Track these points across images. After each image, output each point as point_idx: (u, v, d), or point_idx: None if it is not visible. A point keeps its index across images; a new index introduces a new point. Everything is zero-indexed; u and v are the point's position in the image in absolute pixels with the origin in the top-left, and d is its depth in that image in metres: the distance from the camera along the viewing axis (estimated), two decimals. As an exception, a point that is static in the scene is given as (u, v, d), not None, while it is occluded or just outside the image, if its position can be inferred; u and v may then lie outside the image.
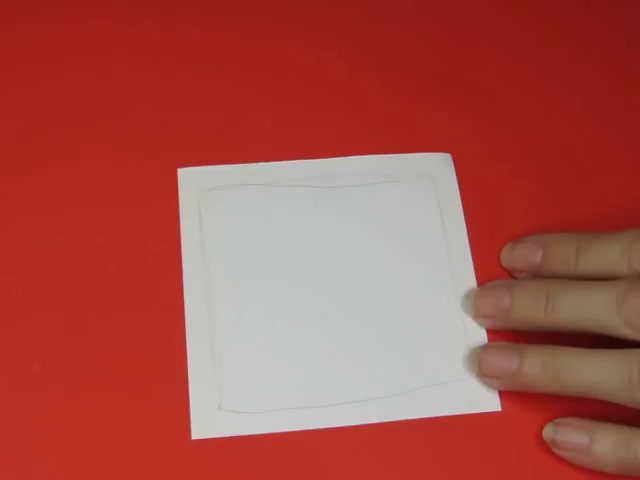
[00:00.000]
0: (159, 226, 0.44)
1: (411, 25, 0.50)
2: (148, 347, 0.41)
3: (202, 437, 0.40)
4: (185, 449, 0.39)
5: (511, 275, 0.44)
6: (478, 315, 0.42)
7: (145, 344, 0.41)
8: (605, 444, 0.38)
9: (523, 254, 0.43)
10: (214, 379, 0.41)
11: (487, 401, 0.41)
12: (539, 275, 0.42)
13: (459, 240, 0.45)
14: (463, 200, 0.45)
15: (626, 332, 0.38)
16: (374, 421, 0.40)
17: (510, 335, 0.42)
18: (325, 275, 0.43)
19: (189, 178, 0.45)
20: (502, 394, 0.41)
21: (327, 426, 0.40)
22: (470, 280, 0.44)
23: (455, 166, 0.46)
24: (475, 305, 0.42)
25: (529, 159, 0.47)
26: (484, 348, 0.41)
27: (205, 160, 0.46)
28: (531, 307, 0.40)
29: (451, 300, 0.43)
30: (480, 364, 0.41)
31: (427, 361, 0.42)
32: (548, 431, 0.40)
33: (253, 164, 0.46)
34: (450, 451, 0.40)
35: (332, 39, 0.50)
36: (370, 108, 0.48)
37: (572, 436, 0.39)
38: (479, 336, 0.42)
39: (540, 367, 0.39)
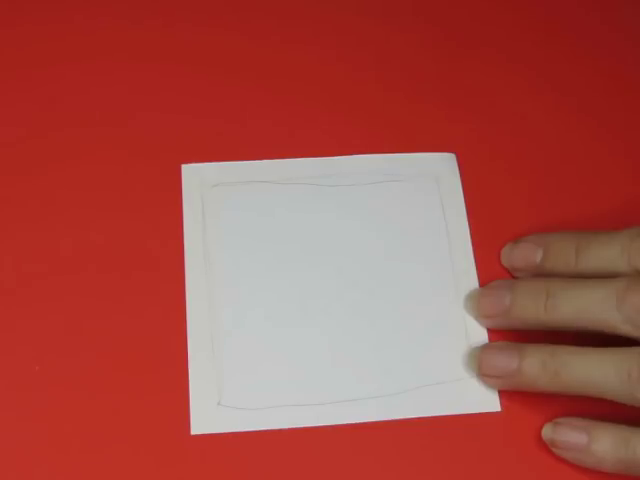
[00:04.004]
0: (162, 222, 0.44)
1: (414, 25, 0.50)
2: (149, 343, 0.41)
3: (201, 432, 0.40)
4: (184, 444, 0.39)
5: (512, 275, 0.43)
6: (479, 315, 0.42)
7: (146, 340, 0.41)
8: (604, 443, 0.38)
9: (523, 254, 0.43)
10: (214, 375, 0.41)
11: (487, 401, 0.41)
12: (539, 275, 0.42)
13: (461, 240, 0.44)
14: (466, 200, 0.45)
15: (626, 329, 0.38)
16: (374, 419, 0.40)
17: (512, 335, 0.42)
18: (327, 273, 0.43)
19: (193, 174, 0.45)
20: (502, 394, 0.41)
21: (326, 424, 0.40)
22: (472, 280, 0.44)
23: (458, 166, 0.46)
24: (476, 305, 0.42)
25: (532, 159, 0.47)
26: (484, 348, 0.41)
27: (209, 157, 0.46)
28: (531, 305, 0.40)
29: (453, 300, 0.43)
30: (480, 363, 0.41)
31: (428, 361, 0.42)
32: (547, 431, 0.40)
33: (257, 161, 0.46)
34: (450, 451, 0.40)
35: (335, 39, 0.50)
36: (374, 108, 0.48)
37: (571, 436, 0.39)
38: (480, 336, 0.42)
39: (539, 365, 0.39)
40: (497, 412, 0.41)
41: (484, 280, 0.43)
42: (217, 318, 0.42)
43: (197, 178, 0.45)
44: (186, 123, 0.47)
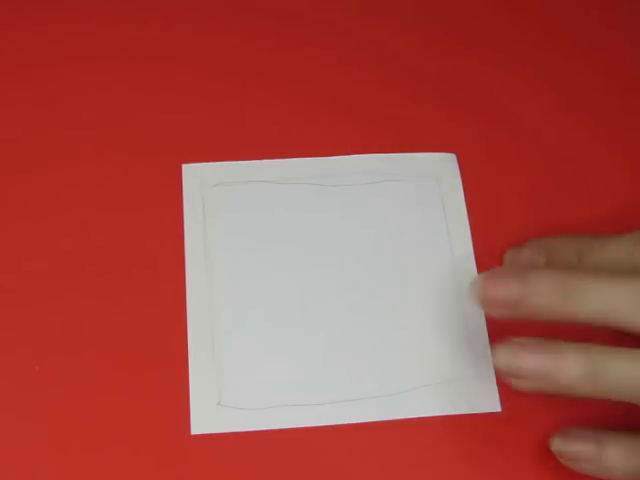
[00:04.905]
0: (162, 222, 0.44)
1: (413, 26, 0.50)
2: (149, 343, 0.41)
3: (201, 432, 0.40)
4: (184, 444, 0.39)
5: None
6: (485, 301, 0.38)
7: (146, 340, 0.41)
8: (614, 453, 0.37)
9: (526, 260, 0.42)
10: (214, 375, 0.41)
11: (487, 402, 0.41)
12: None
13: (462, 240, 0.45)
14: (466, 200, 0.45)
15: None
16: (374, 419, 0.40)
17: (511, 331, 0.41)
18: (327, 273, 0.43)
19: (193, 174, 0.45)
20: (502, 395, 0.41)
21: (326, 424, 0.40)
22: (472, 281, 0.44)
23: (459, 166, 0.46)
24: (482, 291, 0.38)
25: (531, 159, 0.47)
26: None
27: (209, 157, 0.46)
28: (550, 298, 0.37)
29: (453, 300, 0.43)
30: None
31: (428, 360, 0.42)
32: (556, 444, 0.38)
33: (257, 161, 0.46)
34: (450, 451, 0.40)
35: (335, 39, 0.50)
36: (374, 108, 0.48)
37: (581, 447, 0.38)
38: (480, 336, 0.42)
39: (582, 367, 0.36)
40: (497, 412, 0.41)
41: (484, 280, 0.43)
42: (217, 318, 0.42)
43: (197, 178, 0.45)
44: (186, 123, 0.47)
